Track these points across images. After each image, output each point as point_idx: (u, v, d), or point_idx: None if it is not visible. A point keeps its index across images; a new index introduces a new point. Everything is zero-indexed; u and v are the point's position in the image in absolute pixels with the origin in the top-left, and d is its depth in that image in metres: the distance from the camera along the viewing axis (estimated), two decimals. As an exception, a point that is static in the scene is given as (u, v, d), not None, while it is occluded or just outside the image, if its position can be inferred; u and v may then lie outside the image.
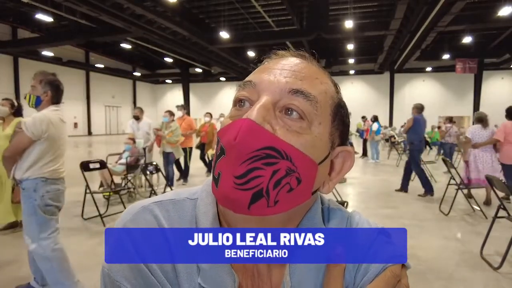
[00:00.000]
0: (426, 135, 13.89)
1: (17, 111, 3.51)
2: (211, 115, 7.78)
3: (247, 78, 0.46)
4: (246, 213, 0.39)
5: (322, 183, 0.46)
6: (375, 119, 10.67)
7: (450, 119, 8.92)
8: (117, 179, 5.30)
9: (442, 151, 9.31)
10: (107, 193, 4.79)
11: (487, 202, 5.02)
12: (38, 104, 2.27)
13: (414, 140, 5.68)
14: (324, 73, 0.47)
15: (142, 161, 5.53)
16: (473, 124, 5.70)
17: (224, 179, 0.39)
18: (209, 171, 7.52)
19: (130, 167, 5.31)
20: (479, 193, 5.05)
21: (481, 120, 4.99)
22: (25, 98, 2.32)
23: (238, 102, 0.45)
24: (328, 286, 0.41)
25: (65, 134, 2.40)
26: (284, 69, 0.44)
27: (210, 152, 7.22)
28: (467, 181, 4.91)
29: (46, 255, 2.23)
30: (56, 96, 2.32)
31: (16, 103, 3.52)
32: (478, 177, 4.76)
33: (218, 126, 8.49)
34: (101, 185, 5.07)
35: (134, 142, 5.64)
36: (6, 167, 2.28)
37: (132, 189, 5.32)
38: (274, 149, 0.39)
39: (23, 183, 2.22)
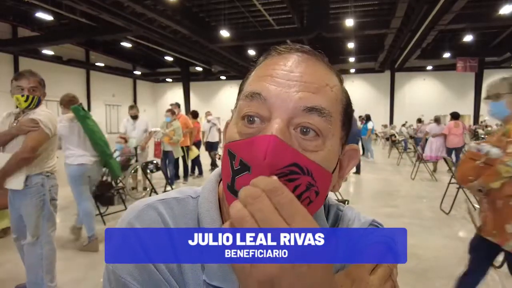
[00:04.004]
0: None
1: None
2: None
3: (254, 88, 0.43)
4: None
5: (333, 185, 0.47)
6: (368, 118, 10.65)
7: (419, 120, 12.86)
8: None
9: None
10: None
11: (435, 170, 8.00)
12: (38, 105, 2.27)
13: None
14: (330, 71, 0.45)
15: (133, 161, 5.36)
16: (433, 122, 8.62)
17: None
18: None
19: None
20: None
21: (436, 120, 8.11)
22: (26, 100, 2.16)
23: (247, 117, 0.42)
24: None
25: None
26: (293, 79, 0.42)
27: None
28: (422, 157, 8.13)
29: (41, 252, 2.23)
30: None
31: None
32: (430, 155, 7.57)
33: (205, 125, 8.16)
34: None
35: (126, 141, 5.43)
36: (20, 168, 2.16)
37: (121, 191, 4.97)
38: (297, 165, 0.39)
39: (27, 180, 2.19)
